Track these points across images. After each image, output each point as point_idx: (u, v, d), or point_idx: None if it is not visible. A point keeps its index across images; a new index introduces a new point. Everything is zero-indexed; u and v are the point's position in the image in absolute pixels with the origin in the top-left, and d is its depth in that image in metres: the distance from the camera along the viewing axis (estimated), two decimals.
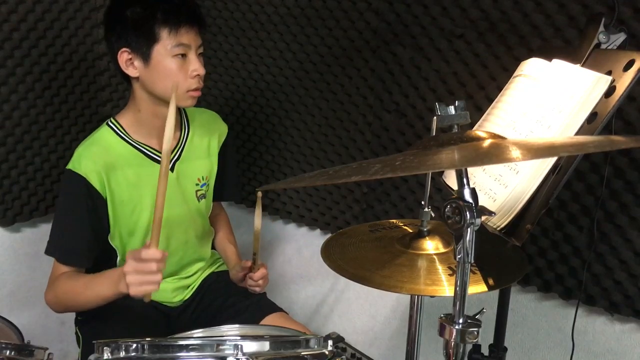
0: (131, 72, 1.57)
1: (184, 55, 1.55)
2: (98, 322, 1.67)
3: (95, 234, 1.61)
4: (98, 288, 1.51)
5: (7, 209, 2.05)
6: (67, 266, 1.61)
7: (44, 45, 2.00)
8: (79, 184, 1.56)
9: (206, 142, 1.79)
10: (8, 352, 1.22)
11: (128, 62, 1.56)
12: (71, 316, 1.78)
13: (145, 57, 1.54)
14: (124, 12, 1.54)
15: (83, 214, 1.58)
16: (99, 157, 1.59)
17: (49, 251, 1.63)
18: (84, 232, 1.59)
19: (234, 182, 1.95)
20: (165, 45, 1.53)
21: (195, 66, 1.56)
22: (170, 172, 1.68)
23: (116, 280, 1.44)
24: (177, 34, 1.53)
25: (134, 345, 1.12)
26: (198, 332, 1.36)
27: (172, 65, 1.54)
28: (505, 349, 1.54)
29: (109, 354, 1.11)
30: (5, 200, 2.03)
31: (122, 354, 1.12)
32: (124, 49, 1.55)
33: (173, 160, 1.70)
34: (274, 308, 1.75)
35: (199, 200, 1.77)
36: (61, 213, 1.64)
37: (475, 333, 1.02)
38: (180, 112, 1.75)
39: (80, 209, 1.58)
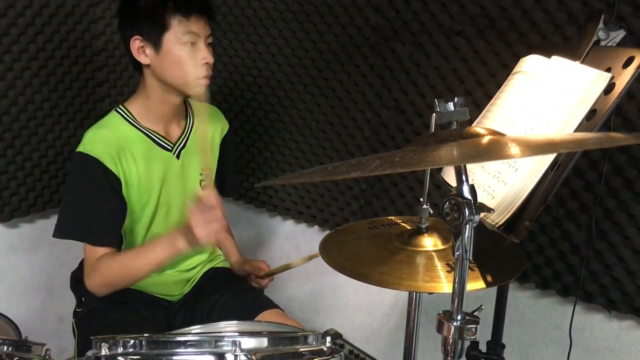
0: (143, 59, 1.61)
1: (193, 44, 1.60)
2: (96, 317, 1.67)
3: (119, 212, 1.62)
4: (152, 255, 1.57)
5: (5, 204, 2.04)
6: (102, 247, 1.60)
7: (42, 41, 2.00)
8: (93, 165, 1.57)
9: (210, 134, 1.82)
10: (5, 347, 1.21)
11: (140, 49, 1.60)
12: (69, 311, 1.78)
13: (157, 45, 1.59)
14: (137, 1, 1.59)
15: (103, 193, 1.59)
16: (110, 140, 1.62)
17: (72, 235, 1.63)
18: (109, 211, 1.60)
19: (233, 179, 1.99)
20: (176, 33, 1.58)
21: (205, 54, 1.61)
22: (176, 159, 1.72)
23: (171, 242, 1.53)
24: (188, 22, 1.58)
25: (132, 342, 1.11)
26: (196, 328, 1.35)
27: (182, 52, 1.59)
28: (503, 346, 1.54)
29: (107, 350, 1.11)
30: (2, 195, 2.03)
31: (120, 349, 1.11)
32: (136, 37, 1.59)
33: (179, 149, 1.73)
34: (270, 305, 1.76)
35: (202, 190, 1.79)
36: (78, 196, 1.62)
37: (474, 330, 1.02)
38: (185, 102, 1.78)
39: (99, 189, 1.59)
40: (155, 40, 1.58)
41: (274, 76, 2.13)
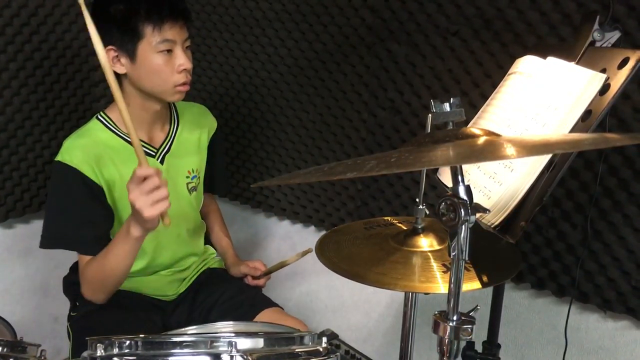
0: (118, 69, 1.57)
1: (169, 51, 1.55)
2: (90, 319, 1.66)
3: (104, 219, 1.61)
4: (115, 250, 1.53)
5: (0, 205, 2.04)
6: (89, 255, 1.60)
7: (37, 41, 1.99)
8: (73, 175, 1.56)
9: (196, 136, 1.80)
10: (1, 348, 1.21)
11: (115, 59, 1.56)
12: (64, 312, 1.77)
13: (131, 55, 1.55)
14: (108, 10, 1.54)
15: (84, 202, 1.57)
16: (89, 149, 1.59)
17: (60, 244, 1.62)
18: (92, 219, 1.59)
19: (223, 175, 1.98)
20: (150, 42, 1.53)
21: (182, 60, 1.56)
22: (160, 164, 1.70)
23: (125, 230, 1.47)
24: (161, 29, 1.53)
25: (127, 342, 1.11)
26: (192, 329, 1.35)
27: (158, 61, 1.55)
28: (499, 346, 1.54)
29: (102, 351, 1.10)
30: None
31: (116, 350, 1.11)
32: (109, 47, 1.54)
33: (163, 154, 1.71)
34: (269, 303, 1.76)
35: (190, 193, 1.78)
36: (62, 205, 1.60)
37: (469, 330, 1.02)
38: (170, 105, 1.76)
39: (80, 198, 1.57)
40: (129, 49, 1.54)
41: (270, 76, 2.13)
